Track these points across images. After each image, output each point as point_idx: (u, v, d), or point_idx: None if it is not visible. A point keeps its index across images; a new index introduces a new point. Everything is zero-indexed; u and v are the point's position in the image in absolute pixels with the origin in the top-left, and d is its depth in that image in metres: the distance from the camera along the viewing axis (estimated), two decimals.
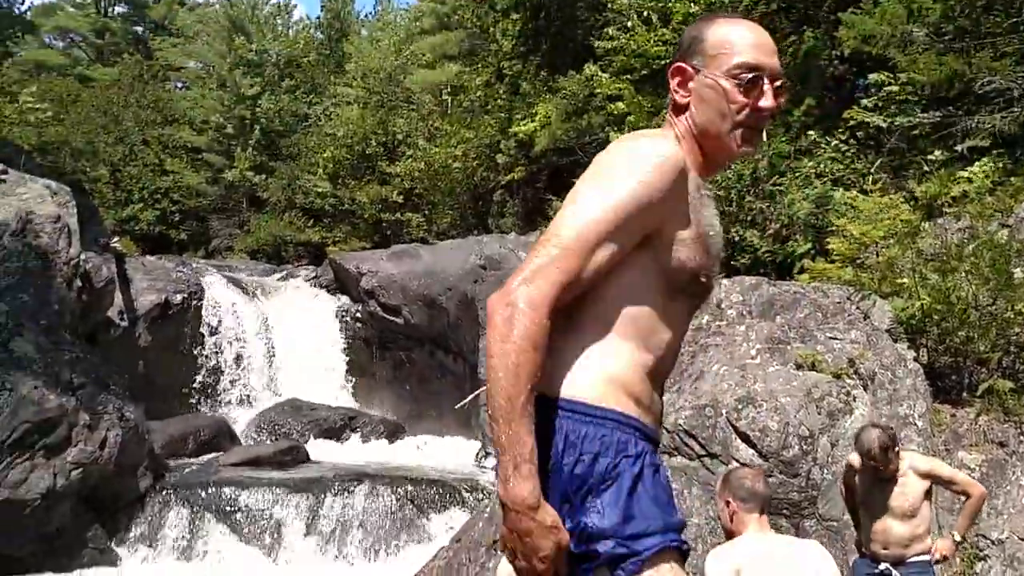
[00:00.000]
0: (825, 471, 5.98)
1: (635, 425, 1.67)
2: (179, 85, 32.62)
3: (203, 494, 9.61)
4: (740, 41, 1.75)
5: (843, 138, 9.52)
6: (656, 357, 1.73)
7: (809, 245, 8.85)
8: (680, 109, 1.79)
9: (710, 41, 1.75)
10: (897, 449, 4.53)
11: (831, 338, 6.64)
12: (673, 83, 1.79)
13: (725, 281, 7.26)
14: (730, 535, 3.50)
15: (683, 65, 1.77)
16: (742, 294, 6.97)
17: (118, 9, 36.83)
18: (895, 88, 9.37)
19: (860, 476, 4.74)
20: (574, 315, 1.70)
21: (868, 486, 4.67)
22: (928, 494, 4.63)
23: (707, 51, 1.75)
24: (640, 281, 1.68)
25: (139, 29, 36.90)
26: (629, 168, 1.63)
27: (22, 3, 17.82)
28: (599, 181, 1.64)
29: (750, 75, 1.72)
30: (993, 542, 6.38)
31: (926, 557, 4.55)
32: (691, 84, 1.76)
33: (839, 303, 6.96)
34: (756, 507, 3.44)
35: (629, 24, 11.59)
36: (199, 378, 13.50)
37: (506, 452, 1.54)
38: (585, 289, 1.64)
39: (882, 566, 4.55)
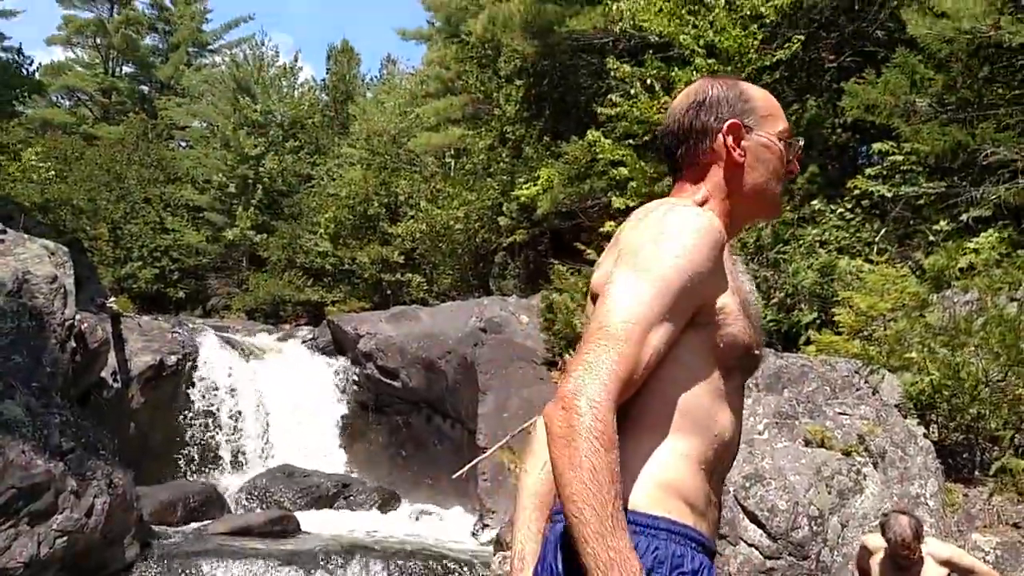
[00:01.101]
0: (835, 553, 5.76)
1: (691, 536, 1.49)
2: (183, 144, 32.91)
3: (190, 566, 9.30)
4: (778, 107, 1.76)
5: (848, 206, 9.48)
6: (718, 447, 1.57)
7: (815, 315, 8.72)
8: (731, 168, 1.69)
9: (759, 102, 1.73)
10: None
11: (840, 413, 6.47)
12: (729, 140, 1.68)
13: None
14: None
15: (739, 123, 1.69)
16: None
17: (126, 69, 37.37)
18: (899, 157, 9.36)
19: (878, 562, 4.56)
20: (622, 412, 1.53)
21: (886, 573, 4.50)
22: None
23: (759, 111, 1.72)
24: (692, 365, 1.53)
25: (145, 89, 37.37)
26: (671, 243, 1.50)
27: (31, 63, 17.99)
28: (640, 261, 1.50)
29: (795, 141, 1.75)
30: None
31: None
32: (743, 143, 1.69)
33: (847, 377, 6.80)
34: None
35: (632, 91, 11.66)
36: (191, 441, 13.25)
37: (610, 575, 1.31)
38: (640, 382, 1.47)
39: None
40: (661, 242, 1.50)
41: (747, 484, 5.89)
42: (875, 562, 4.59)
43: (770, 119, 1.72)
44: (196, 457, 13.21)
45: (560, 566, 1.47)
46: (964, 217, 8.96)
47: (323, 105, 29.71)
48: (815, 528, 5.74)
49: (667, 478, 1.50)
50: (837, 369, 6.88)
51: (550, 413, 1.41)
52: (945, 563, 4.41)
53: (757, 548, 5.73)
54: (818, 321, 8.75)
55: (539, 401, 11.34)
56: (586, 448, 1.35)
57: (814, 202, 9.66)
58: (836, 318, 8.07)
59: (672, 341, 1.49)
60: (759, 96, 1.74)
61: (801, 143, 1.75)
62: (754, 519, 5.79)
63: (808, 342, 8.30)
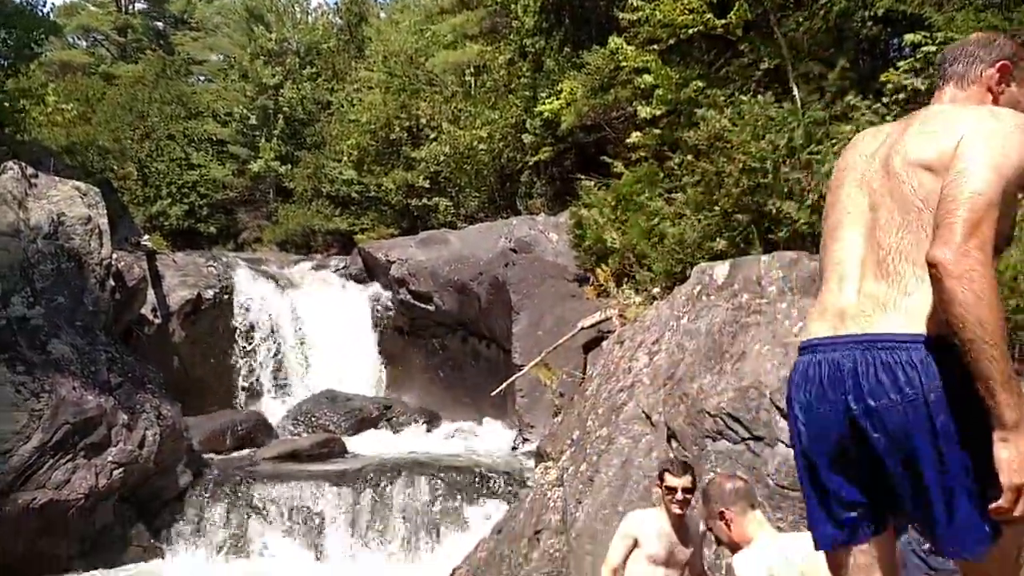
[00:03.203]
0: None
1: None
2: (202, 78, 32.71)
3: (244, 490, 9.64)
4: None
5: (882, 102, 9.19)
6: None
7: None
8: (990, 100, 2.07)
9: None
10: None
11: None
12: (996, 75, 2.08)
13: (764, 257, 7.05)
14: (735, 545, 3.37)
15: (1009, 66, 2.08)
16: (782, 270, 6.74)
17: (138, 6, 36.96)
18: (932, 48, 9.00)
19: None
20: None
21: None
22: None
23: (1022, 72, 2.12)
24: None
25: (159, 25, 37.00)
26: (1017, 136, 1.85)
27: (44, 4, 17.88)
28: (996, 147, 1.83)
29: None
30: None
31: None
32: (1003, 86, 2.08)
33: None
34: (748, 504, 3.42)
35: None
36: (234, 372, 13.56)
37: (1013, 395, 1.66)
38: None
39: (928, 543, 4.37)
40: (1010, 135, 1.85)
41: (783, 386, 5.90)
42: None
43: None
44: (240, 386, 13.53)
45: (940, 384, 1.77)
46: None
47: (337, 29, 29.19)
48: None
49: None
50: None
51: (948, 260, 1.71)
52: None
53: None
54: None
55: (572, 318, 11.39)
56: (993, 291, 1.68)
57: (847, 97, 9.37)
58: None
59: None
60: None
61: None
62: None
63: None
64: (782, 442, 5.83)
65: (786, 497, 5.70)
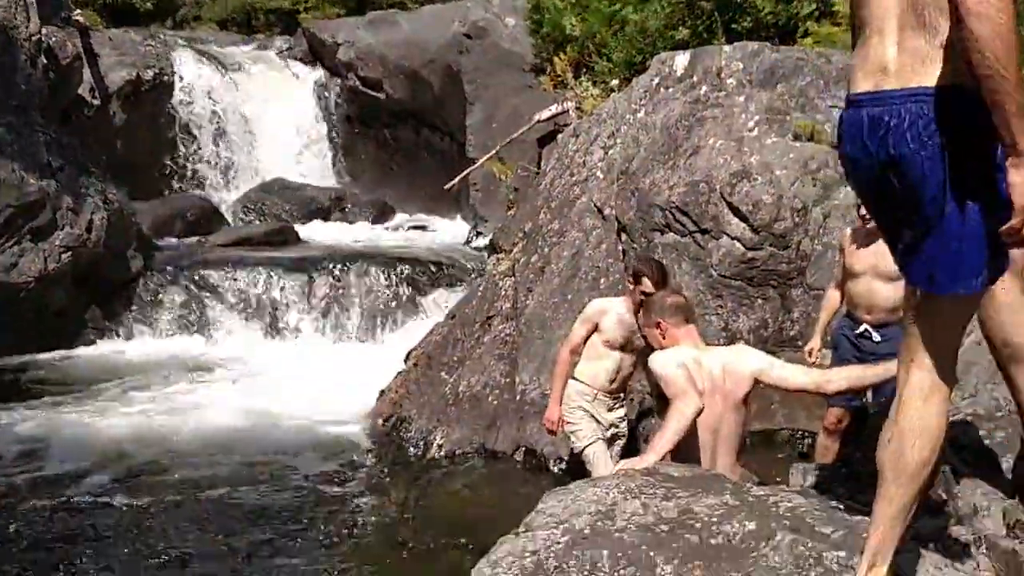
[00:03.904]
0: (816, 242, 5.96)
1: None
2: None
3: (197, 274, 9.69)
4: None
5: None
6: None
7: (814, 6, 8.32)
8: None
9: None
10: None
11: (832, 107, 6.39)
12: None
13: (726, 48, 6.89)
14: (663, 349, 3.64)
15: None
16: (743, 62, 6.62)
17: None
18: None
19: (852, 236, 4.64)
20: None
21: (856, 246, 4.58)
22: None
23: None
24: None
25: None
26: None
27: None
28: None
29: None
30: None
31: None
32: None
33: (843, 69, 6.64)
34: (683, 318, 3.65)
35: None
36: (180, 157, 13.20)
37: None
38: None
39: (861, 327, 4.54)
40: None
41: (733, 181, 5.97)
42: (849, 238, 4.67)
43: None
44: (187, 173, 13.23)
45: (959, 134, 1.83)
46: None
47: None
48: (797, 220, 5.89)
49: None
50: (832, 61, 6.70)
51: None
52: None
53: (739, 240, 5.94)
54: (817, 12, 8.37)
55: (528, 110, 11.17)
56: (1010, 28, 1.69)
57: None
58: (835, 8, 7.73)
59: None
60: None
61: None
62: (738, 213, 5.93)
63: (806, 35, 8.02)
64: (727, 234, 5.98)
65: (727, 286, 5.95)
